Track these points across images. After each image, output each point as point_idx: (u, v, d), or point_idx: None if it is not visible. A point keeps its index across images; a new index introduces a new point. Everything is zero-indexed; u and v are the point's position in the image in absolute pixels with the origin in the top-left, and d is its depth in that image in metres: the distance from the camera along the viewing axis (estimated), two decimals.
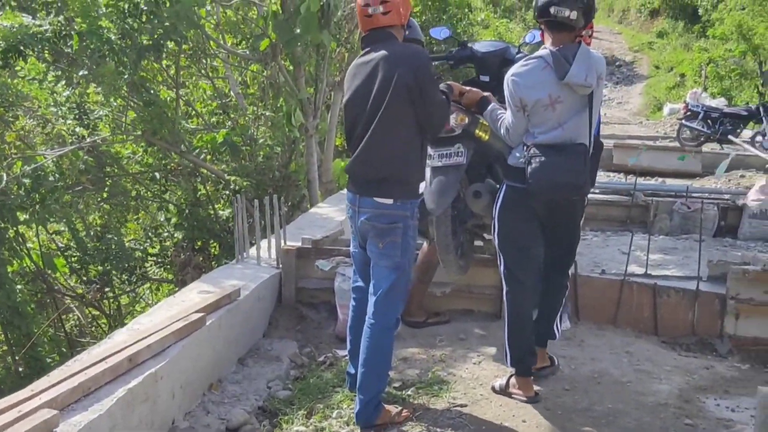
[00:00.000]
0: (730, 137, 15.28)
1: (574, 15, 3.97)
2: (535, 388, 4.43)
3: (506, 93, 4.13)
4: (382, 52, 3.98)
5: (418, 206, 4.39)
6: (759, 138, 15.08)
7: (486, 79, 5.04)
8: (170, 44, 8.76)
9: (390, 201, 3.99)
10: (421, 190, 4.54)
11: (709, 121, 15.48)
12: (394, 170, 4.00)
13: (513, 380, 4.41)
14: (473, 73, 5.26)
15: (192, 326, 4.35)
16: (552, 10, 3.98)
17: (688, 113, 15.95)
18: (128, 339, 4.03)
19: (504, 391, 4.43)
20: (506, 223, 4.27)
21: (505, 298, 4.39)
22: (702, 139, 15.51)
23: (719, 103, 17.75)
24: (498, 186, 4.66)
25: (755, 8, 24.12)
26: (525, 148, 4.10)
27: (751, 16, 24.44)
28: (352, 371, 4.39)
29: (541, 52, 4.08)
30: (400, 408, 4.22)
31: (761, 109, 15.51)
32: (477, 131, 4.54)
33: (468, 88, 4.55)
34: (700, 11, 30.93)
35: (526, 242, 4.30)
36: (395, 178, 4.00)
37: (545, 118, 4.04)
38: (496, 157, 4.69)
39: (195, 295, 4.94)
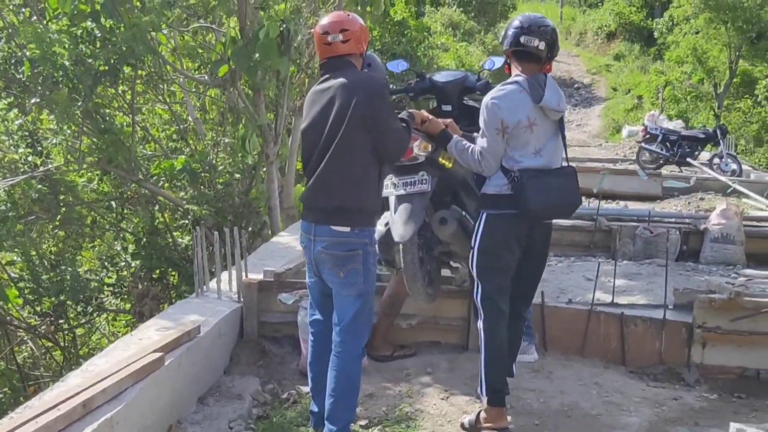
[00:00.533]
0: (689, 160, 15.51)
1: (542, 45, 4.20)
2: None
3: (484, 117, 4.20)
4: (340, 80, 4.04)
5: (384, 236, 4.49)
6: (716, 160, 15.32)
7: (448, 108, 5.04)
8: (127, 69, 8.58)
9: (347, 229, 4.00)
10: (386, 220, 4.56)
11: (667, 143, 15.70)
12: (351, 198, 4.01)
13: (483, 414, 4.32)
14: (435, 104, 5.22)
15: (150, 367, 4.17)
16: (522, 39, 4.20)
17: (647, 136, 16.17)
18: (82, 382, 3.86)
19: (474, 427, 4.37)
20: (489, 252, 4.29)
21: (482, 327, 4.31)
22: (661, 161, 15.71)
23: (677, 125, 18.02)
24: (463, 212, 4.79)
25: (709, 32, 24.58)
26: (508, 174, 4.19)
27: (705, 39, 24.88)
28: (316, 409, 4.32)
29: (515, 78, 4.24)
30: None
31: (718, 132, 15.78)
32: (441, 159, 4.54)
33: (430, 116, 4.53)
34: (656, 34, 31.56)
35: (507, 270, 4.34)
36: (352, 206, 4.02)
37: (524, 141, 4.17)
38: (460, 184, 4.80)
39: (153, 333, 4.77)
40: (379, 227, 4.79)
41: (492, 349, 4.29)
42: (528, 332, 5.12)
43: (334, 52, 4.12)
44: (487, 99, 4.23)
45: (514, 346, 4.53)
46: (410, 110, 4.50)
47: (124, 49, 7.54)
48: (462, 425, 4.44)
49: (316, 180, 4.06)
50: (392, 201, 4.57)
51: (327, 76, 4.14)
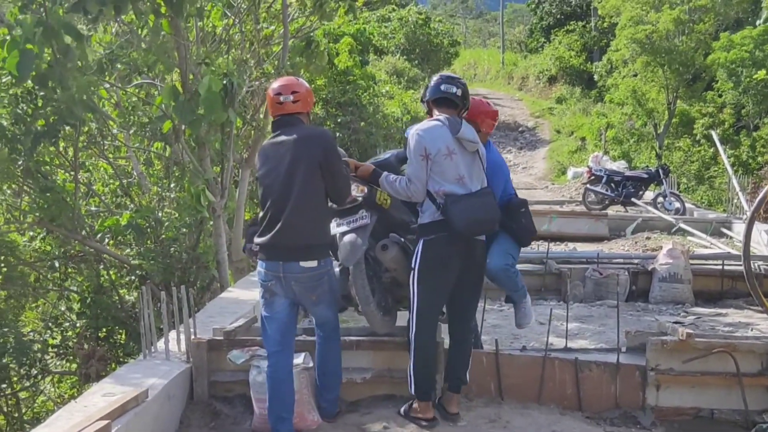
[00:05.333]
0: (633, 200, 15.79)
1: (459, 92, 5.02)
2: None
3: (410, 146, 4.89)
4: (294, 135, 4.71)
5: (339, 278, 5.13)
6: (660, 199, 15.63)
7: None
8: (67, 128, 8.44)
9: (314, 263, 4.69)
10: (337, 263, 5.09)
11: (612, 184, 15.99)
12: (315, 236, 4.72)
13: (415, 405, 5.05)
14: None
15: None
16: (443, 87, 5.02)
17: (592, 177, 16.44)
18: None
19: (407, 414, 5.08)
20: (426, 273, 4.87)
21: (413, 339, 4.94)
22: (606, 202, 15.97)
23: (620, 166, 18.36)
24: (402, 238, 5.33)
25: (647, 74, 25.13)
26: (435, 202, 4.83)
27: (643, 81, 25.43)
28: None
29: (437, 117, 4.97)
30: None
31: (660, 172, 16.10)
32: (378, 199, 5.15)
33: (361, 163, 5.27)
34: (596, 77, 32.19)
35: (443, 289, 4.96)
36: (316, 242, 4.73)
37: (446, 167, 4.83)
38: (399, 225, 5.37)
39: (99, 399, 4.60)
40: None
41: (421, 358, 4.94)
42: (519, 293, 5.85)
43: (285, 111, 4.80)
44: (412, 131, 4.97)
45: (465, 356, 5.16)
46: (344, 158, 5.12)
47: (63, 109, 7.38)
48: (398, 412, 5.12)
49: (283, 224, 4.64)
50: (338, 238, 5.08)
51: (279, 131, 4.79)
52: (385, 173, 5.09)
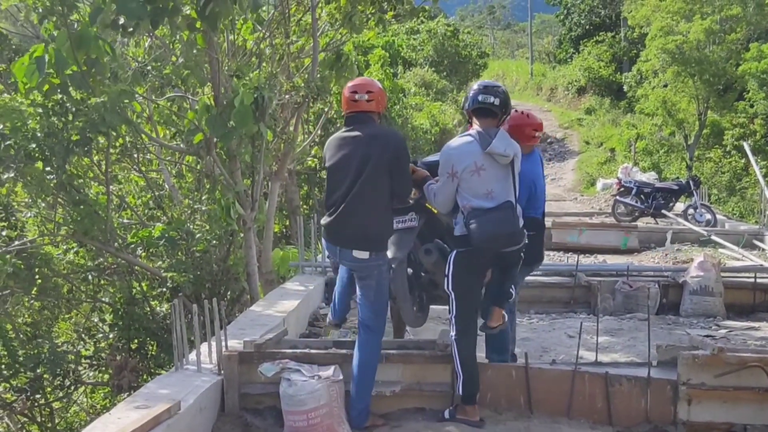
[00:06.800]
0: (664, 211, 15.68)
1: (497, 101, 5.09)
2: None
3: (440, 163, 5.08)
4: (366, 131, 5.01)
5: None
6: (691, 211, 15.51)
7: None
8: (101, 139, 8.56)
9: (366, 255, 4.99)
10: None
11: (642, 196, 15.91)
12: (372, 228, 5.00)
13: (463, 408, 5.20)
14: None
15: None
16: (480, 97, 5.10)
17: (622, 189, 16.37)
18: None
19: (453, 416, 5.21)
20: (458, 280, 5.10)
21: (454, 340, 5.15)
22: (636, 214, 15.89)
23: (650, 177, 18.27)
24: (445, 245, 5.55)
25: (677, 85, 24.97)
26: (463, 216, 5.01)
27: (673, 92, 25.26)
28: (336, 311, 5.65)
29: (470, 131, 5.10)
30: (375, 414, 5.24)
31: (691, 183, 15.98)
32: (428, 204, 5.39)
33: (418, 168, 5.47)
34: (625, 88, 32.03)
35: (475, 294, 5.22)
36: (372, 235, 5.00)
37: (474, 183, 4.96)
38: (445, 229, 5.52)
39: (132, 411, 4.64)
40: None
41: (465, 357, 5.12)
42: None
43: (358, 108, 5.09)
44: (444, 147, 5.17)
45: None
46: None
47: (95, 117, 7.49)
48: (443, 416, 5.23)
49: (343, 212, 4.97)
50: None
51: (351, 126, 5.07)
52: (429, 182, 5.32)
